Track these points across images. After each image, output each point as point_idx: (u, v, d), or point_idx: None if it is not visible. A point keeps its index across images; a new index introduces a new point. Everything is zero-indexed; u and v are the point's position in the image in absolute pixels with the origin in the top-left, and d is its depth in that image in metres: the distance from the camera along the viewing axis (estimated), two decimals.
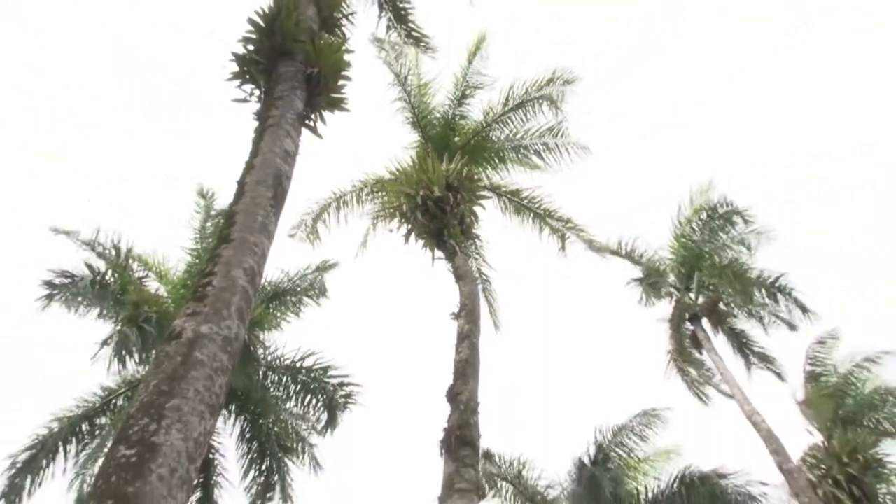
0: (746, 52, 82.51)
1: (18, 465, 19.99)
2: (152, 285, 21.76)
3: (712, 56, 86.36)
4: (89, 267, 20.56)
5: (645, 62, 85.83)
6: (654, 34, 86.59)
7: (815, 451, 26.39)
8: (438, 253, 18.29)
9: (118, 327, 20.34)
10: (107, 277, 20.71)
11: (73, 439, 20.63)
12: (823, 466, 25.65)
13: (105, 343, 19.70)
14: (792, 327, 26.92)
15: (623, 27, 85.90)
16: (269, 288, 21.69)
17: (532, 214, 21.52)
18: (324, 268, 22.34)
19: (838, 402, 27.68)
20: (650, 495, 22.28)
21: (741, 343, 27.69)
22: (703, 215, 27.55)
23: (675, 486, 21.89)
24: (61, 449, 20.41)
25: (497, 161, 21.52)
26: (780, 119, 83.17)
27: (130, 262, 21.59)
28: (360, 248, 21.70)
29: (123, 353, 19.77)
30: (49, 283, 20.01)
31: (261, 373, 21.56)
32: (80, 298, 20.48)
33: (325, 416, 21.52)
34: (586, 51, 76.77)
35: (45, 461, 20.26)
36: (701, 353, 27.09)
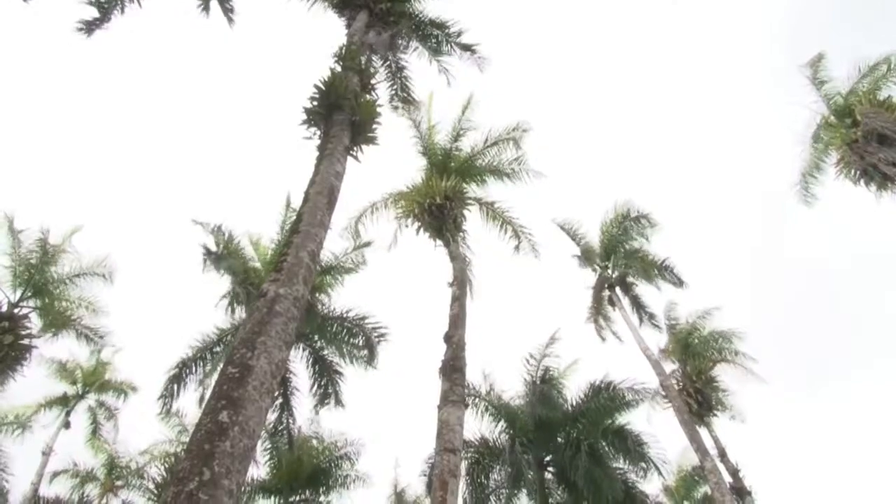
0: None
1: (169, 376, 20.73)
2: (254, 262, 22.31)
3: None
4: (210, 247, 21.38)
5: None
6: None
7: (676, 374, 27.06)
8: (438, 242, 18.67)
9: (232, 287, 21.16)
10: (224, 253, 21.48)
11: (200, 361, 21.02)
12: (681, 383, 26.32)
13: (224, 297, 21.05)
14: (680, 284, 27.30)
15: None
16: (324, 263, 21.90)
17: (501, 220, 21.59)
18: (360, 246, 22.47)
19: (687, 342, 28.45)
20: (576, 400, 22.53)
21: (639, 305, 27.98)
22: (620, 219, 27.72)
23: (589, 392, 22.20)
24: (193, 367, 20.89)
25: (480, 179, 21.61)
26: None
27: (240, 245, 22.16)
28: (392, 241, 21.72)
29: (234, 304, 20.54)
30: (207, 251, 21.17)
31: (320, 320, 21.76)
32: (217, 263, 21.36)
33: (366, 352, 21.81)
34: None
35: (184, 375, 20.77)
36: (614, 310, 27.42)
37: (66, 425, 28.88)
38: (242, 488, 6.80)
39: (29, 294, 23.99)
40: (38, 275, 23.91)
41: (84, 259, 24.70)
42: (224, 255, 21.37)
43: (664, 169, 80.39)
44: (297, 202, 22.06)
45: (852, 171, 24.24)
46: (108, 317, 25.84)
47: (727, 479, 23.35)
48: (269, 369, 6.49)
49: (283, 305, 7.27)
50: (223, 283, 21.82)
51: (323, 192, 9.50)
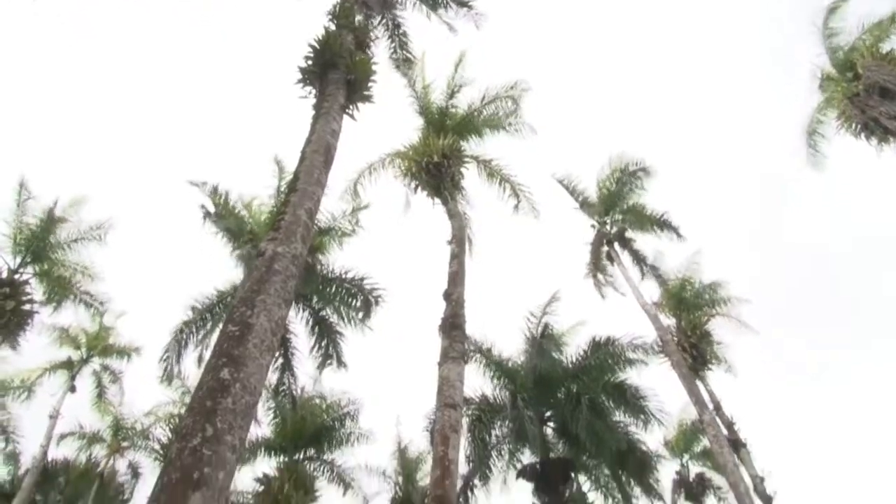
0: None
1: (170, 339, 20.89)
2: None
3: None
4: (209, 208, 21.44)
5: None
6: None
7: (672, 329, 27.15)
8: (437, 200, 18.62)
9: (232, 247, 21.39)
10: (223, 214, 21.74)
11: (200, 323, 21.14)
12: (676, 338, 26.43)
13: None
14: (679, 237, 27.29)
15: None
16: (322, 225, 21.88)
17: (499, 178, 21.49)
18: (358, 208, 22.43)
19: (681, 296, 28.42)
20: (576, 356, 22.66)
21: (639, 258, 27.93)
22: (618, 174, 27.56)
23: (590, 347, 22.32)
24: (193, 329, 21.02)
25: (477, 137, 21.48)
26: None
27: (237, 207, 22.17)
28: (405, 204, 21.61)
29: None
30: (206, 212, 21.49)
31: (319, 281, 21.81)
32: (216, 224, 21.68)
33: (362, 312, 21.89)
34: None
35: (184, 336, 20.93)
36: (612, 265, 27.42)
37: (72, 389, 29.12)
38: (246, 445, 6.87)
39: (28, 260, 24.00)
40: (37, 241, 23.91)
41: (82, 224, 24.71)
42: (222, 216, 21.41)
43: (661, 153, 79.76)
44: (290, 164, 22.22)
45: (853, 126, 24.07)
46: (106, 281, 25.93)
47: (723, 431, 23.60)
48: (269, 327, 6.51)
49: (281, 264, 7.27)
50: (222, 244, 21.93)
51: (319, 151, 9.45)
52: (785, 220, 79.51)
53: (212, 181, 21.96)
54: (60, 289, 25.00)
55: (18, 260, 23.71)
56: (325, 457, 25.91)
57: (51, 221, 23.84)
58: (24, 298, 23.44)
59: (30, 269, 24.16)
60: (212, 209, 21.54)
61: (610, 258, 27.46)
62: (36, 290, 24.29)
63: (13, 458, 27.74)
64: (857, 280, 73.98)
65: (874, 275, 71.26)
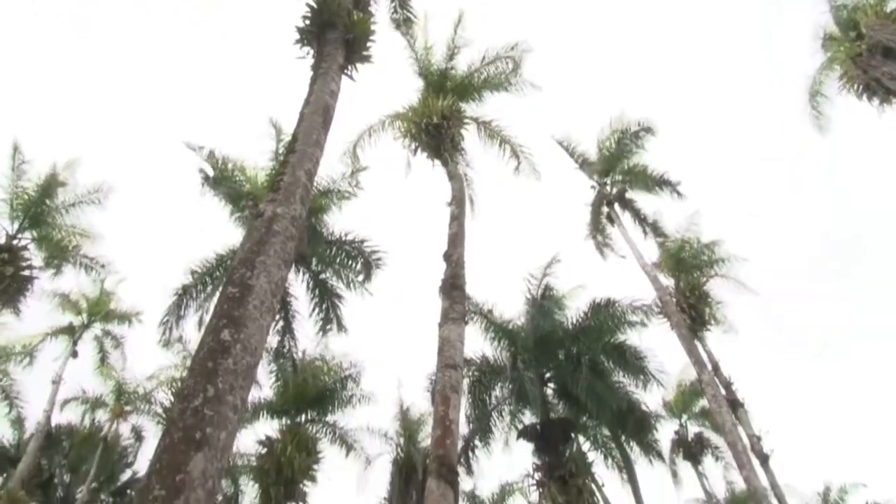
0: None
1: (170, 303, 21.05)
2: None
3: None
4: (208, 171, 21.35)
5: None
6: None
7: (671, 289, 27.18)
8: (437, 162, 18.51)
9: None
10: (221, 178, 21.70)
11: (200, 286, 21.16)
12: (675, 298, 26.46)
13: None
14: (679, 194, 27.15)
15: None
16: (321, 187, 21.77)
17: (499, 139, 21.33)
18: (358, 170, 22.31)
19: (679, 256, 28.39)
20: (577, 318, 22.71)
21: (640, 218, 27.80)
22: (618, 134, 27.33)
23: (590, 309, 22.36)
24: (193, 293, 21.07)
25: (476, 97, 21.26)
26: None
27: (234, 170, 22.06)
28: (406, 167, 21.44)
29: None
30: (205, 175, 21.42)
31: (319, 243, 21.78)
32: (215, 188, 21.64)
33: (363, 274, 21.92)
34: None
35: (185, 300, 20.98)
36: (613, 226, 27.30)
37: (74, 354, 29.26)
38: (247, 406, 6.89)
39: (27, 225, 23.93)
40: (35, 206, 23.80)
41: (79, 188, 24.61)
42: (221, 179, 21.32)
43: (663, 116, 79.09)
44: (288, 127, 22.04)
45: (856, 86, 23.84)
46: (106, 247, 25.93)
47: (721, 391, 23.75)
48: (268, 288, 6.47)
49: (281, 225, 7.21)
50: (221, 207, 21.87)
51: (318, 112, 9.33)
52: (789, 196, 79.40)
53: (209, 145, 21.87)
54: (60, 253, 24.97)
55: (16, 225, 23.63)
56: (328, 419, 26.13)
57: (48, 185, 23.71)
58: (24, 264, 23.43)
59: (28, 235, 24.10)
60: (210, 172, 21.43)
61: (610, 219, 27.36)
62: (35, 255, 24.30)
63: (18, 423, 27.96)
64: (860, 263, 74.12)
65: (880, 250, 71.39)
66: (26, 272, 23.44)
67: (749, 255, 29.53)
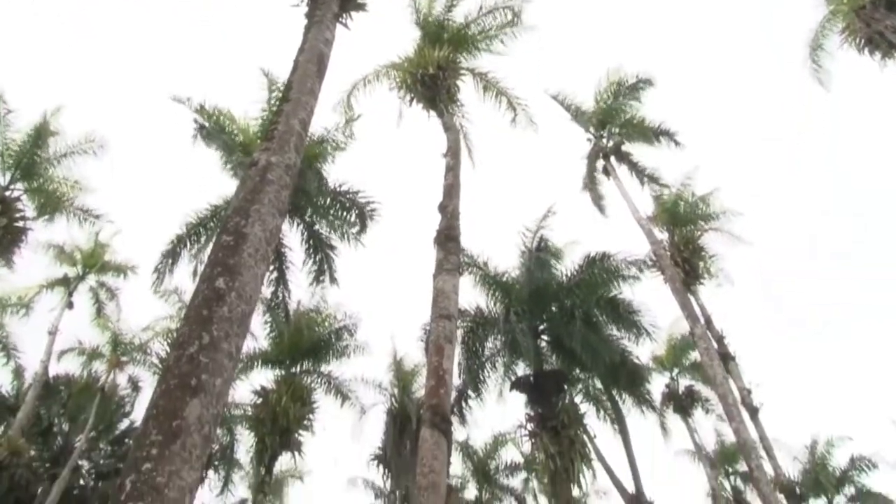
0: None
1: (166, 251, 21.10)
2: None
3: None
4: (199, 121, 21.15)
5: None
6: None
7: (665, 243, 27.23)
8: (432, 113, 18.35)
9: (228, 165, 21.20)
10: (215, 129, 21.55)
11: (195, 236, 21.14)
12: (669, 252, 26.51)
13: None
14: (677, 143, 26.95)
15: None
16: (315, 137, 21.60)
17: (495, 91, 21.12)
18: (351, 120, 22.11)
19: (674, 210, 28.33)
20: (571, 271, 22.74)
21: (637, 169, 27.70)
22: (615, 87, 27.05)
23: (584, 263, 22.39)
24: (187, 243, 21.07)
25: (473, 49, 20.98)
26: None
27: (226, 122, 21.85)
28: (397, 117, 21.25)
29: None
30: (199, 126, 21.28)
31: (313, 194, 21.70)
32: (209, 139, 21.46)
33: (357, 226, 21.90)
34: None
35: (178, 250, 21.00)
36: (609, 179, 27.17)
37: (70, 305, 29.30)
38: (242, 355, 6.93)
39: (18, 177, 23.76)
40: (27, 157, 23.60)
41: (70, 138, 24.40)
42: (213, 130, 21.12)
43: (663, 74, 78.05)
44: (280, 77, 21.75)
45: (858, 40, 23.57)
46: (99, 196, 25.88)
47: (713, 345, 23.96)
48: (263, 236, 6.44)
49: (275, 173, 7.15)
50: (214, 158, 21.74)
51: (312, 60, 9.17)
52: (789, 176, 79.07)
53: (197, 97, 21.62)
54: (53, 204, 24.86)
55: (8, 176, 23.47)
56: (322, 369, 26.37)
57: (39, 135, 23.48)
58: (17, 215, 23.34)
59: (21, 186, 23.95)
60: (203, 123, 21.22)
61: (606, 172, 27.23)
62: (28, 207, 24.20)
63: (17, 373, 28.16)
64: (862, 242, 74.03)
65: (881, 228, 71.37)
66: (20, 223, 23.36)
67: (749, 235, 29.21)
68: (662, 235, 27.71)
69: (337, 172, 22.68)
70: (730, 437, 27.34)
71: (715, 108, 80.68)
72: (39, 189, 24.36)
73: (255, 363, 25.61)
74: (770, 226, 76.41)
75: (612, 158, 27.23)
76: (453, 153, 14.76)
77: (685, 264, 26.67)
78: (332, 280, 22.45)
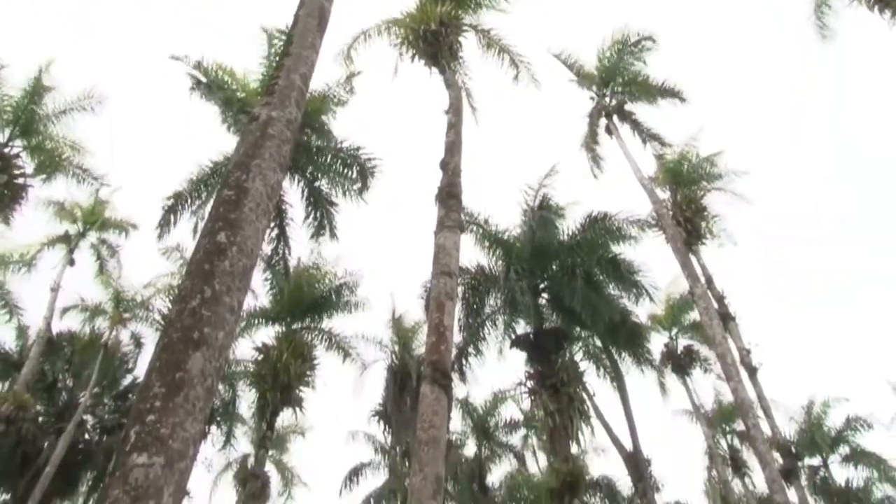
0: None
1: (166, 208, 21.14)
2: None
3: None
4: (196, 78, 20.92)
5: None
6: None
7: (667, 203, 27.09)
8: (434, 70, 18.14)
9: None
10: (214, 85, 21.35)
11: (196, 193, 21.09)
12: (671, 212, 26.43)
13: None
14: (682, 100, 26.72)
15: None
16: (316, 93, 21.40)
17: (498, 48, 20.86)
18: (352, 75, 21.91)
19: (677, 170, 28.10)
20: (572, 230, 22.74)
21: (640, 129, 27.44)
22: (619, 45, 26.66)
23: (586, 222, 22.36)
24: (188, 199, 21.03)
25: (475, 5, 20.64)
26: None
27: (225, 77, 21.63)
28: (393, 71, 20.98)
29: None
30: (196, 81, 21.18)
31: (314, 150, 21.61)
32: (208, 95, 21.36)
33: (359, 182, 21.83)
34: None
35: (180, 206, 20.94)
36: (611, 138, 26.92)
37: (71, 262, 29.34)
38: (244, 310, 6.94)
39: (17, 133, 23.62)
40: (25, 114, 23.44)
41: (68, 95, 24.20)
42: (212, 86, 20.95)
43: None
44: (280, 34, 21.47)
45: None
46: (97, 154, 25.76)
47: (714, 305, 24.00)
48: (264, 191, 6.41)
49: (276, 128, 7.09)
50: (214, 114, 21.60)
51: (313, 14, 9.01)
52: (791, 141, 78.29)
53: (196, 54, 21.41)
54: (53, 163, 24.76)
55: (7, 133, 23.33)
56: (323, 325, 26.54)
57: (35, 90, 23.29)
58: (16, 172, 23.26)
59: (19, 143, 23.84)
60: (199, 79, 21.01)
61: (609, 131, 26.99)
62: (28, 164, 24.12)
63: (21, 330, 28.33)
64: (869, 200, 73.51)
65: (885, 195, 70.85)
66: (20, 180, 23.29)
67: (752, 197, 28.92)
68: (665, 195, 27.61)
69: (338, 129, 22.56)
70: (728, 397, 27.56)
71: (718, 73, 79.79)
72: (39, 147, 24.25)
73: (256, 321, 25.77)
74: (773, 191, 76.13)
75: (615, 117, 26.97)
76: (455, 110, 14.66)
77: (687, 224, 26.58)
78: (333, 235, 22.45)
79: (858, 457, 31.09)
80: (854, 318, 70.67)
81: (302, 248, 23.52)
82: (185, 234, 21.66)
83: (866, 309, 70.92)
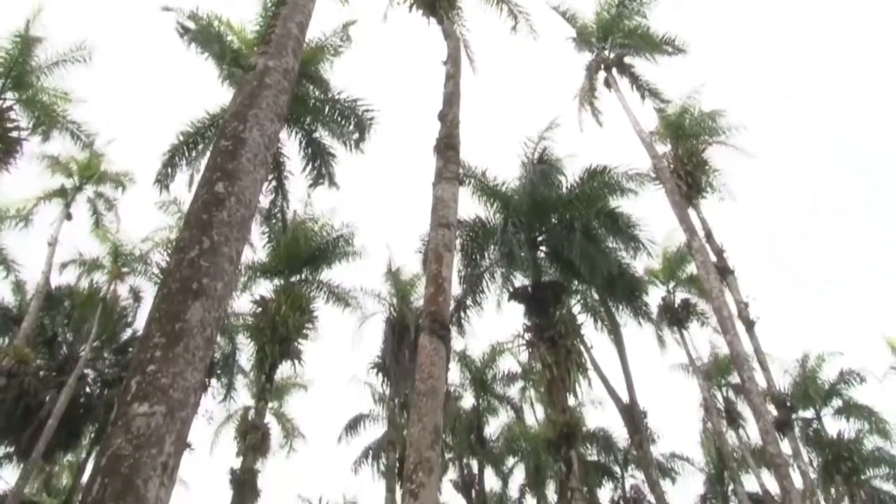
0: None
1: (166, 160, 21.01)
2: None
3: None
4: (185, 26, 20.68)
5: None
6: None
7: (668, 156, 26.92)
8: (432, 20, 17.85)
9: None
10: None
11: (192, 145, 20.94)
12: (672, 165, 26.31)
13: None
14: (680, 52, 26.36)
15: None
16: (313, 44, 21.09)
17: None
18: (347, 23, 21.59)
19: (679, 123, 27.84)
20: (572, 181, 22.65)
21: (639, 84, 27.13)
22: None
23: (585, 175, 22.26)
24: (185, 152, 20.89)
25: None
26: None
27: (220, 26, 21.32)
28: (383, 16, 20.62)
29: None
30: (183, 28, 20.88)
31: (312, 101, 21.38)
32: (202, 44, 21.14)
33: (356, 134, 21.67)
34: None
35: (177, 157, 20.86)
36: (610, 92, 26.65)
37: (68, 217, 29.27)
38: (242, 260, 6.94)
39: (9, 86, 23.36)
40: (16, 65, 23.14)
41: (59, 46, 23.88)
42: (205, 35, 20.64)
43: None
44: None
45: None
46: (91, 109, 25.57)
47: (712, 258, 24.03)
48: (261, 141, 6.37)
49: (272, 78, 7.02)
50: (209, 66, 21.32)
51: None
52: (791, 134, 77.39)
53: (190, 5, 21.04)
54: (47, 117, 24.54)
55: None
56: (321, 277, 26.63)
57: (25, 42, 22.97)
58: (10, 125, 23.04)
59: (12, 96, 23.59)
60: (188, 27, 20.66)
61: (607, 84, 26.70)
62: (22, 118, 23.89)
63: (17, 285, 28.38)
64: (869, 193, 72.97)
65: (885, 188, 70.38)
66: (14, 133, 23.08)
67: (752, 193, 28.89)
68: (665, 148, 27.46)
69: (336, 81, 22.31)
70: (724, 351, 27.77)
71: (716, 65, 78.72)
72: (32, 100, 24.01)
73: (255, 275, 25.84)
74: (772, 184, 75.84)
75: (614, 70, 26.65)
76: (453, 61, 14.46)
77: (688, 177, 26.43)
78: (332, 183, 22.32)
79: (851, 409, 31.45)
80: (854, 311, 70.83)
81: (300, 202, 23.46)
82: (183, 188, 21.52)
83: (866, 301, 71.08)
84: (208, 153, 7.62)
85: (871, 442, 31.64)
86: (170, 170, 20.88)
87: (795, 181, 79.36)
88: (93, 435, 27.14)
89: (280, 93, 6.99)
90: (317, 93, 21.55)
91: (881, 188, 74.91)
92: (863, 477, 31.15)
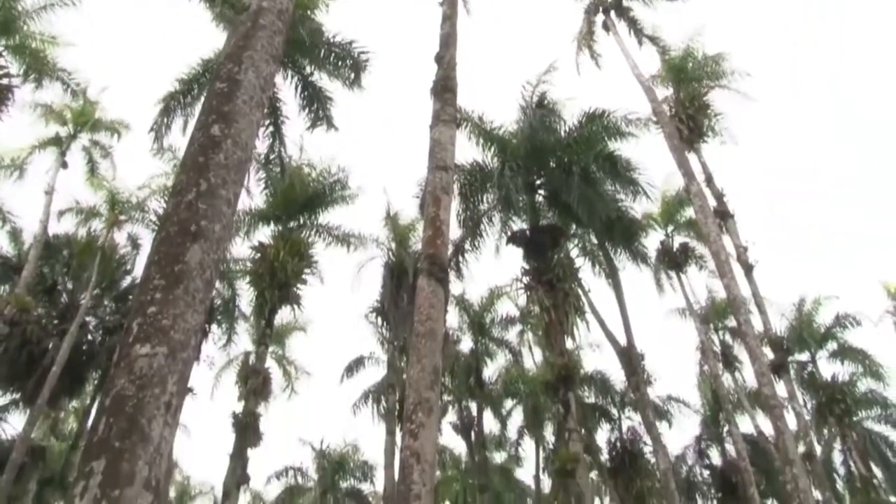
0: None
1: (160, 107, 20.81)
2: None
3: None
4: None
5: None
6: None
7: (669, 100, 26.62)
8: None
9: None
10: None
11: (187, 92, 20.73)
12: (673, 109, 26.08)
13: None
14: None
15: None
16: None
17: None
18: None
19: (681, 66, 27.50)
20: (571, 125, 22.48)
21: (637, 28, 26.69)
22: None
23: (583, 119, 22.09)
24: (181, 99, 20.70)
25: None
26: None
27: None
28: None
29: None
30: None
31: (307, 43, 21.05)
32: None
33: (352, 75, 21.44)
34: None
35: (173, 105, 20.68)
36: (608, 35, 26.23)
37: (64, 165, 29.08)
38: (239, 213, 6.94)
39: None
40: (3, 10, 22.75)
41: None
42: None
43: None
44: None
45: None
46: (87, 56, 25.27)
47: (712, 202, 24.00)
48: (257, 83, 6.32)
49: (267, 18, 6.92)
50: (203, 9, 20.97)
51: None
52: (791, 99, 76.12)
53: None
54: (38, 66, 24.21)
55: None
56: (319, 221, 26.67)
57: None
58: (0, 73, 22.77)
59: (0, 43, 23.23)
60: None
61: (606, 27, 26.31)
62: (12, 64, 23.57)
63: (14, 234, 28.37)
64: (870, 162, 72.24)
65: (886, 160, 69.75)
66: (4, 80, 22.81)
67: (752, 153, 28.57)
68: (665, 92, 27.18)
69: (331, 23, 22.00)
70: (721, 294, 27.94)
71: (716, 19, 77.23)
72: (21, 47, 23.64)
73: (254, 221, 25.84)
74: (773, 146, 75.18)
75: (613, 13, 26.20)
76: (450, 2, 14.19)
77: (689, 121, 26.17)
78: (330, 125, 22.17)
79: (845, 352, 31.88)
80: (853, 278, 70.97)
81: (295, 148, 23.27)
82: (178, 135, 21.31)
83: (866, 271, 71.23)
84: (203, 98, 7.55)
85: (865, 384, 32.15)
86: (165, 118, 20.69)
87: (796, 145, 78.94)
88: (96, 381, 27.50)
89: (275, 34, 6.91)
90: (312, 34, 21.25)
91: (881, 159, 74.60)
92: (855, 418, 31.75)
